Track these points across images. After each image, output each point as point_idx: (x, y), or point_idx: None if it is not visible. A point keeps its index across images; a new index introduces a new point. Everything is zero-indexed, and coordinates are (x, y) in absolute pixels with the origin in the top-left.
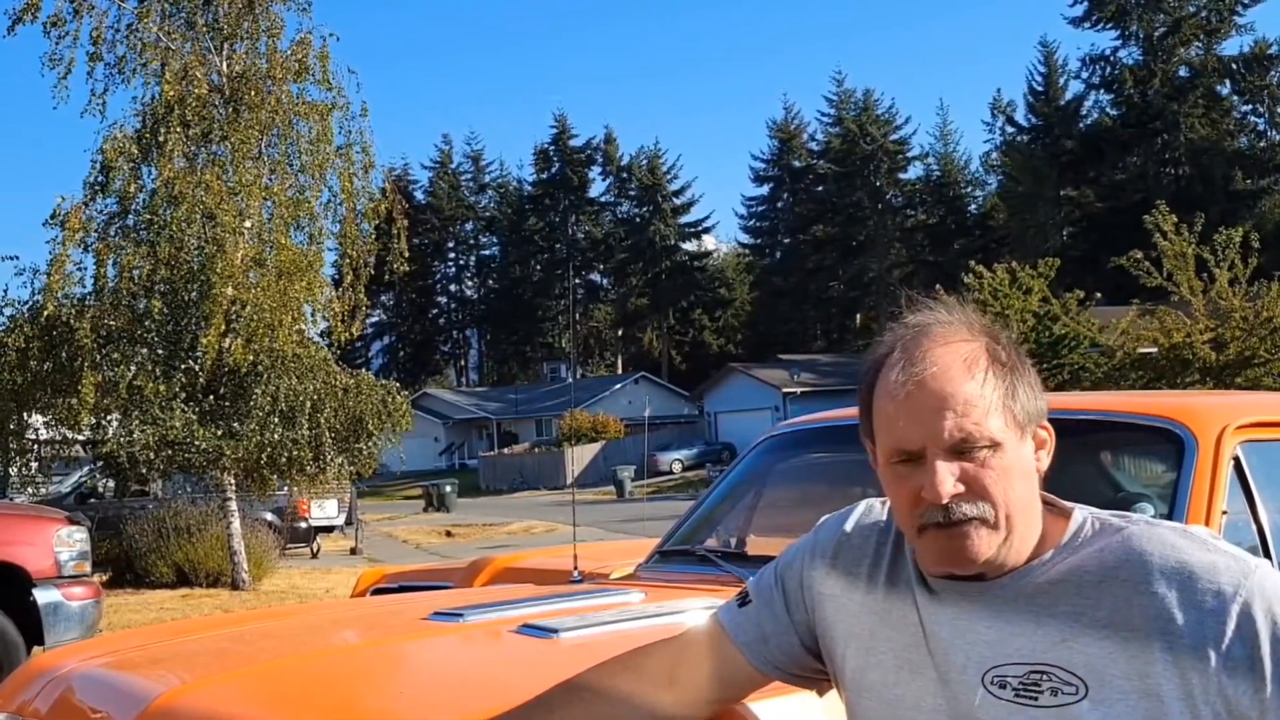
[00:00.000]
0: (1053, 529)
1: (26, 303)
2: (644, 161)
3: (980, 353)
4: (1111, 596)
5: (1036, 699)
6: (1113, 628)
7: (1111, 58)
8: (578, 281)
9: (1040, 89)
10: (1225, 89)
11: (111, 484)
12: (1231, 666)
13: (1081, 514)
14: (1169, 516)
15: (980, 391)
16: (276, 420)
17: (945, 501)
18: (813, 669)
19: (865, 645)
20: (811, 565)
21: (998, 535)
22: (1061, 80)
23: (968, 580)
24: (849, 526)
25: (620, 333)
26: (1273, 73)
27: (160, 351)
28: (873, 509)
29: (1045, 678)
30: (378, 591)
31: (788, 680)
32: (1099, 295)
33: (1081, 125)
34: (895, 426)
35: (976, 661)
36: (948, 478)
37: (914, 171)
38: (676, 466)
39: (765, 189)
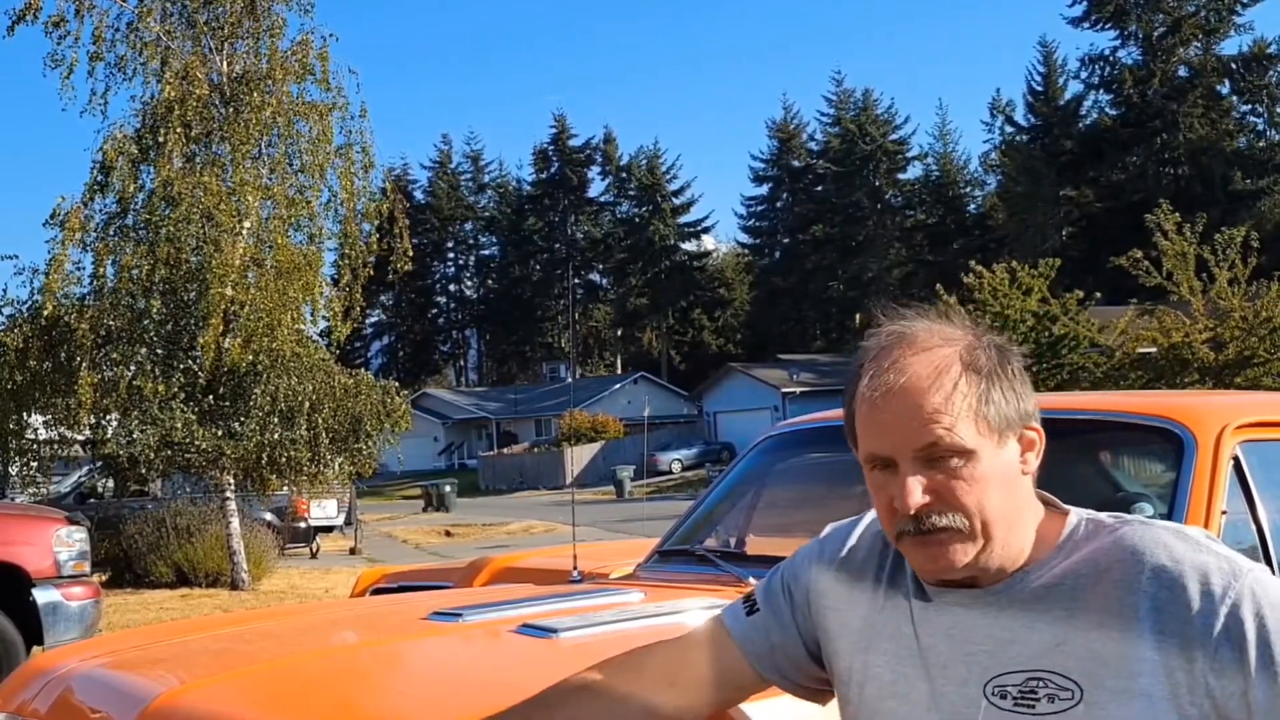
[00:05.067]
0: (1049, 530)
1: (26, 302)
2: (643, 161)
3: (953, 360)
4: (1103, 596)
5: (1034, 707)
6: (1103, 628)
7: (1111, 58)
8: (577, 281)
9: (1039, 89)
10: (1225, 89)
11: (111, 484)
12: (1219, 668)
13: (1076, 515)
14: (1169, 516)
15: (949, 399)
16: (276, 420)
17: (913, 512)
18: (819, 679)
19: (864, 659)
20: (818, 576)
21: (974, 545)
22: (1061, 80)
23: (963, 587)
24: (855, 536)
25: (619, 333)
26: (1272, 72)
27: (159, 351)
28: (876, 518)
29: (1042, 684)
30: (377, 591)
31: (792, 691)
32: (1099, 295)
33: (1081, 125)
34: (867, 434)
35: (978, 673)
36: (915, 489)
37: (913, 171)
38: (676, 466)
39: (765, 189)
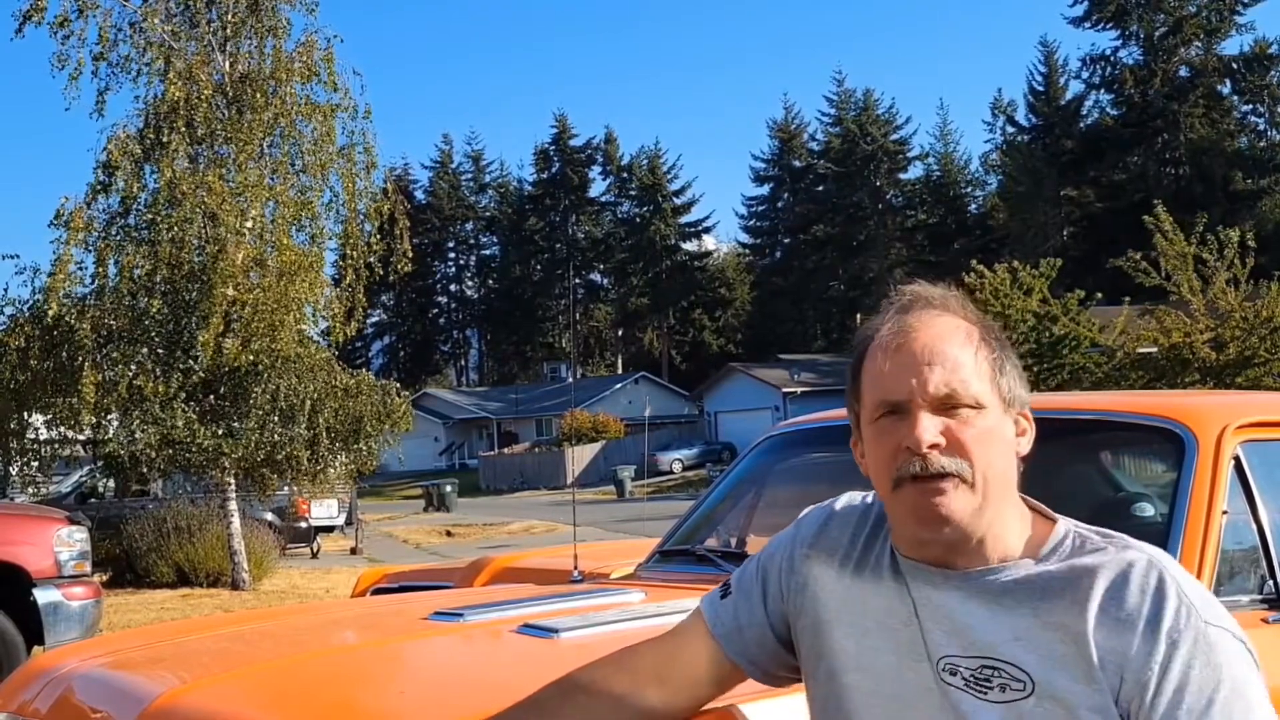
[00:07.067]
0: (1037, 536)
1: (27, 302)
2: (644, 161)
3: (973, 329)
4: (1074, 603)
5: (986, 693)
6: (1064, 631)
7: (1112, 57)
8: (578, 281)
9: (1040, 89)
10: (1225, 89)
11: (112, 484)
12: (1152, 710)
13: (1065, 526)
14: (1169, 516)
15: (972, 357)
16: (276, 420)
17: (924, 450)
18: (783, 664)
19: (834, 631)
20: (792, 554)
21: (974, 497)
22: (1062, 80)
23: (939, 566)
24: (829, 515)
25: (620, 332)
26: (1273, 72)
27: (160, 351)
28: (853, 499)
29: (996, 673)
30: (378, 591)
31: (756, 676)
32: (1099, 295)
33: (1082, 125)
34: (883, 378)
35: (935, 647)
36: (930, 427)
37: (914, 171)
38: (677, 466)
39: (765, 189)
